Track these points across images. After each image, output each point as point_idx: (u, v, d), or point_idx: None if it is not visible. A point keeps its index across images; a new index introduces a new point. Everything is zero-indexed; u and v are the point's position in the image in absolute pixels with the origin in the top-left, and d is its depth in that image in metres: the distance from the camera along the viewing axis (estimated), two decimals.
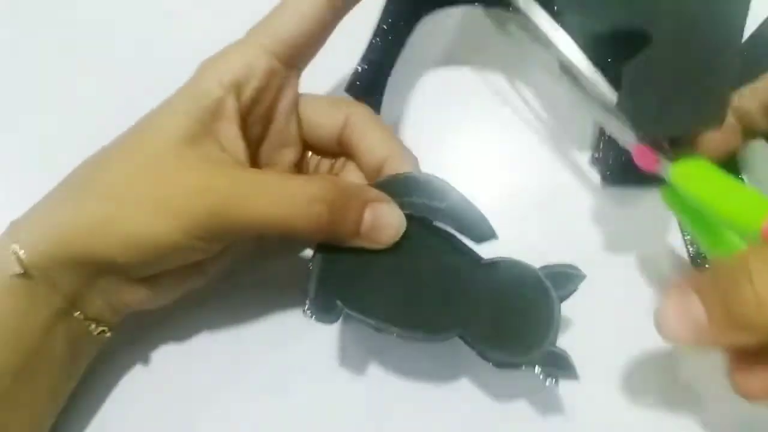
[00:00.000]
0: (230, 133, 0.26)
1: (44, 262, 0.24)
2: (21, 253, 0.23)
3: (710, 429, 0.29)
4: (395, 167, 0.27)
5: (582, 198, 0.34)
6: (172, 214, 0.23)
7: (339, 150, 0.29)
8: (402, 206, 0.26)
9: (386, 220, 0.25)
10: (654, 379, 0.30)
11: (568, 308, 0.27)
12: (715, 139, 0.27)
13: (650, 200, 0.32)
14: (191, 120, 0.25)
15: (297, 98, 0.28)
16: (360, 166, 0.29)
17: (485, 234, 0.26)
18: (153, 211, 0.23)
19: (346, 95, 0.32)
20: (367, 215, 0.25)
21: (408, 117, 0.35)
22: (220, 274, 0.29)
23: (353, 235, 0.25)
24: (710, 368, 0.29)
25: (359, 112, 0.29)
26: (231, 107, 0.25)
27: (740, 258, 0.21)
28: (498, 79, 0.36)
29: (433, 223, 0.26)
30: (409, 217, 0.26)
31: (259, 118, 0.27)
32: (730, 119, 0.28)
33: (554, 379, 0.25)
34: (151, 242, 0.24)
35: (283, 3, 0.27)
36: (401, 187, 0.26)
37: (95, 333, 0.26)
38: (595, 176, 0.34)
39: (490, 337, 0.26)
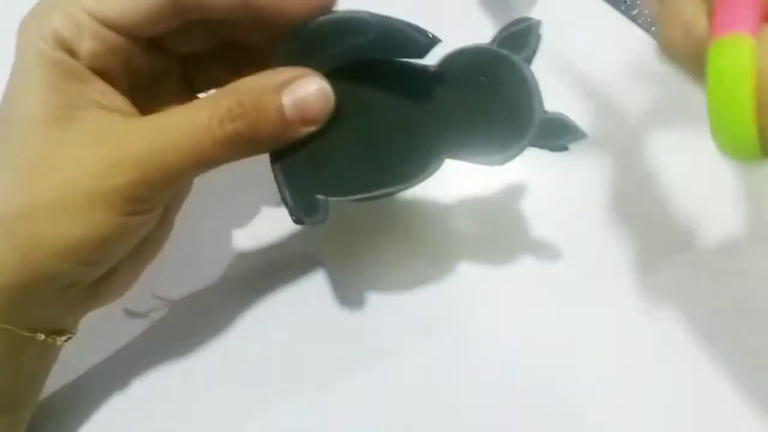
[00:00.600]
0: (95, 87, 0.22)
1: None
2: None
3: None
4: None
5: None
6: (95, 203, 0.21)
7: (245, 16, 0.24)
8: (327, 60, 0.23)
9: (307, 95, 0.23)
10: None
11: None
12: None
13: None
14: (45, 93, 0.21)
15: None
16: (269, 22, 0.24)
17: (425, 44, 0.23)
18: (77, 211, 0.21)
19: None
20: (286, 101, 0.22)
21: None
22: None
23: (284, 128, 0.23)
24: None
25: None
26: (73, 63, 0.22)
27: None
28: None
29: (367, 60, 0.23)
30: (341, 71, 0.23)
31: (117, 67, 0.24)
32: None
33: (564, 148, 0.24)
34: (89, 241, 0.21)
35: None
36: (316, 41, 0.23)
37: (60, 343, 0.25)
38: None
39: (481, 142, 0.24)
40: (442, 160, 0.24)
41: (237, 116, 0.22)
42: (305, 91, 0.23)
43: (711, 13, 0.19)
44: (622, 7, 0.34)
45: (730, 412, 0.28)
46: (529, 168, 0.32)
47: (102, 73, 0.23)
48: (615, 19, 0.35)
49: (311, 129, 0.23)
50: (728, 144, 0.18)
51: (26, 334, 0.23)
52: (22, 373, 0.24)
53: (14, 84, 0.22)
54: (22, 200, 0.21)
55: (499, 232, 0.31)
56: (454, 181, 0.31)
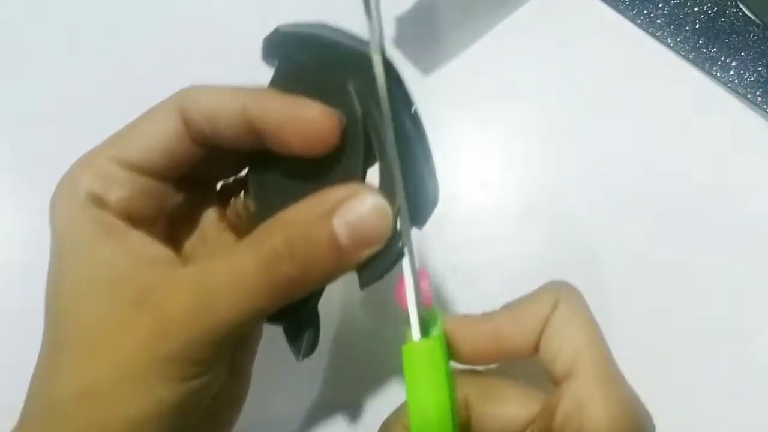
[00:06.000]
0: (133, 240, 0.21)
1: None
2: None
3: None
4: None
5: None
6: (150, 375, 0.20)
7: (250, 139, 0.22)
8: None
9: (362, 215, 0.20)
10: None
11: None
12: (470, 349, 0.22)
13: None
14: (84, 266, 0.21)
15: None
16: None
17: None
18: (134, 388, 0.20)
19: None
20: (338, 227, 0.20)
21: None
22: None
23: (341, 257, 0.20)
24: None
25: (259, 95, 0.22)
26: (107, 218, 0.21)
27: None
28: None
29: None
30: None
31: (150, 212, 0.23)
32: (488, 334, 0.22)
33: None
34: (150, 416, 0.20)
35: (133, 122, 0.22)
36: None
37: None
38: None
39: None
40: None
41: (284, 258, 0.20)
42: (358, 211, 0.20)
43: None
44: (621, 7, 0.35)
45: None
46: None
47: (137, 220, 0.22)
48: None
49: (372, 251, 0.21)
50: None
51: None
52: None
53: (55, 258, 0.21)
54: (80, 383, 0.20)
55: None
56: None
